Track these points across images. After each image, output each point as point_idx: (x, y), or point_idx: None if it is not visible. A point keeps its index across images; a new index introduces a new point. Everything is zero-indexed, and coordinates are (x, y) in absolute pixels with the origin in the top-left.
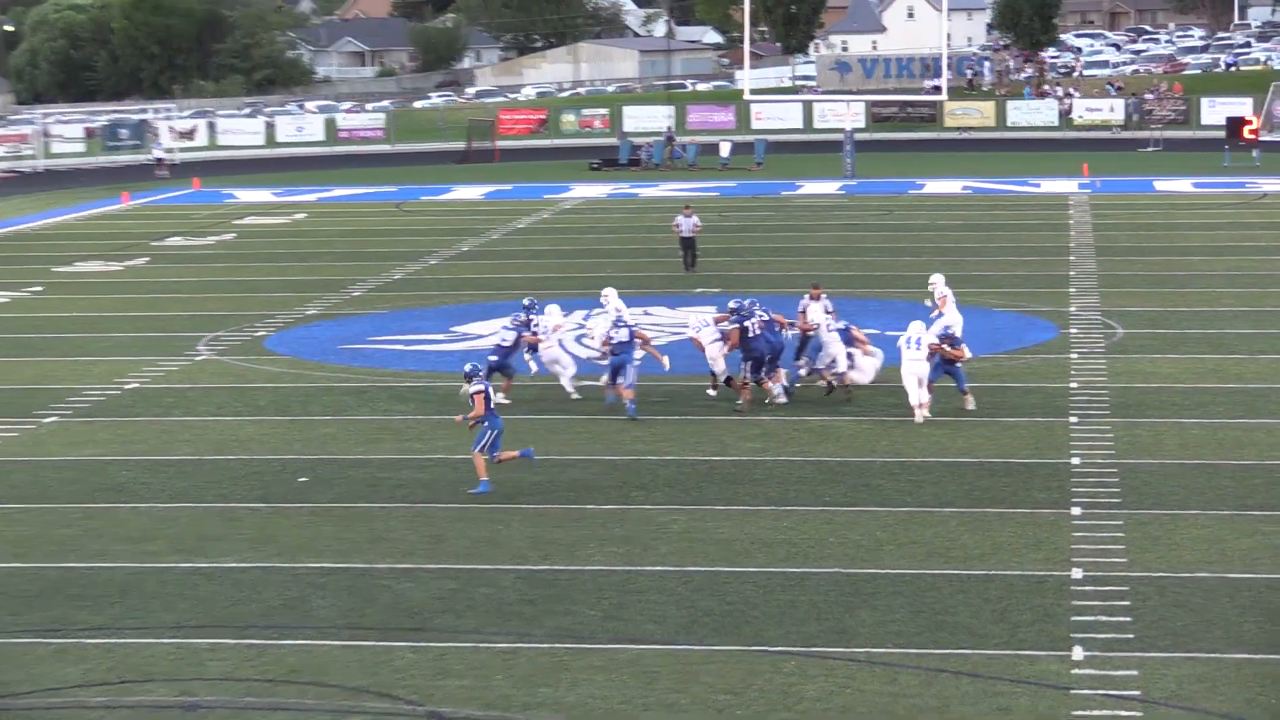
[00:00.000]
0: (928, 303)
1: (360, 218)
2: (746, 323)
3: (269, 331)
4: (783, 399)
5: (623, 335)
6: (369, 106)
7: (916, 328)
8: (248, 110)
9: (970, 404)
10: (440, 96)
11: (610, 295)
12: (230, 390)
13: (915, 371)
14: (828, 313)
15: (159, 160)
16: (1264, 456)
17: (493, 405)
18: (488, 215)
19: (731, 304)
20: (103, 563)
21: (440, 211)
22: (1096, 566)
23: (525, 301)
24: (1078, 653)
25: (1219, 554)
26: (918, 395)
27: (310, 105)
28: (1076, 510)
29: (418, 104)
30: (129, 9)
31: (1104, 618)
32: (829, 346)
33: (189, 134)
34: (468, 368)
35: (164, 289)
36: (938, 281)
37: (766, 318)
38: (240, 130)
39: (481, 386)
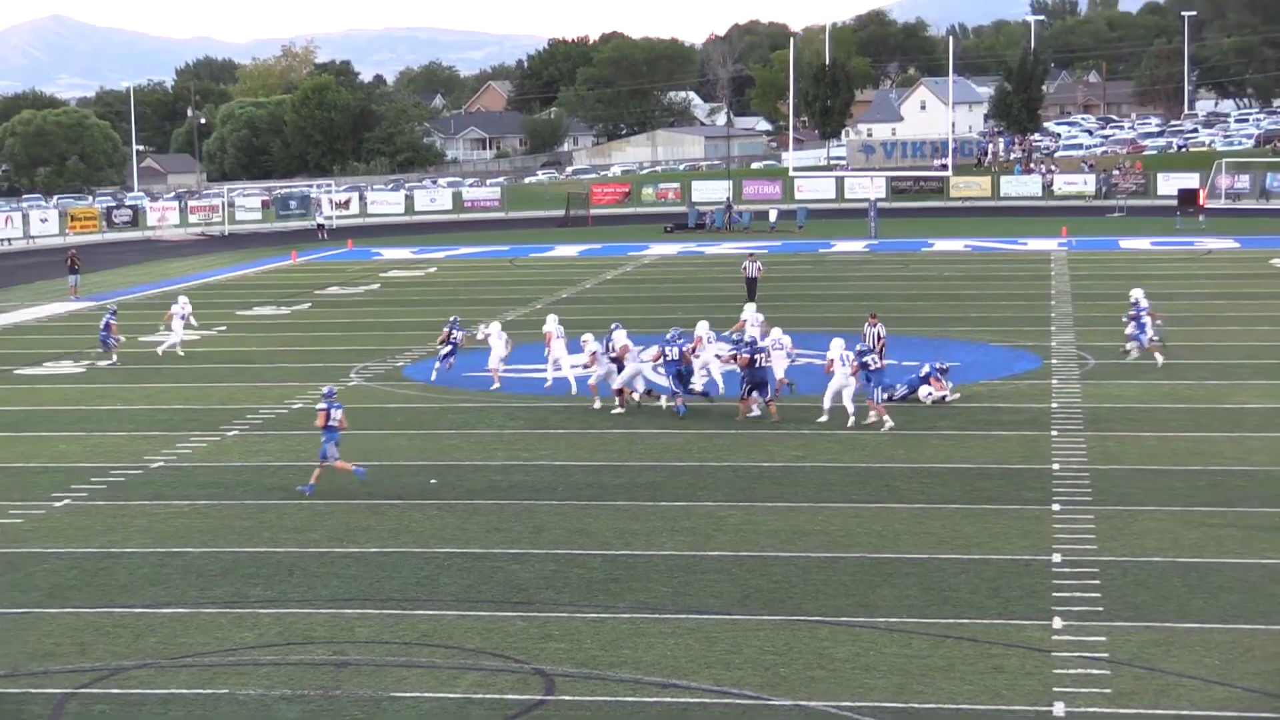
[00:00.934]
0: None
1: (480, 271)
2: (757, 355)
3: (407, 362)
4: (756, 413)
5: (674, 354)
6: (488, 182)
7: (839, 345)
8: (391, 185)
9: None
10: (545, 173)
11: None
12: (375, 410)
13: (839, 385)
14: (880, 337)
15: (320, 225)
16: (1209, 463)
17: (332, 422)
18: (583, 269)
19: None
20: (272, 548)
21: (545, 266)
22: (1073, 552)
23: (668, 334)
24: (1057, 622)
25: (1172, 542)
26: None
27: (441, 182)
28: (1057, 506)
29: (527, 180)
30: (298, 105)
31: (1079, 594)
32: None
33: (345, 204)
34: (325, 389)
35: (323, 328)
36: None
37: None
38: (385, 201)
39: (324, 406)
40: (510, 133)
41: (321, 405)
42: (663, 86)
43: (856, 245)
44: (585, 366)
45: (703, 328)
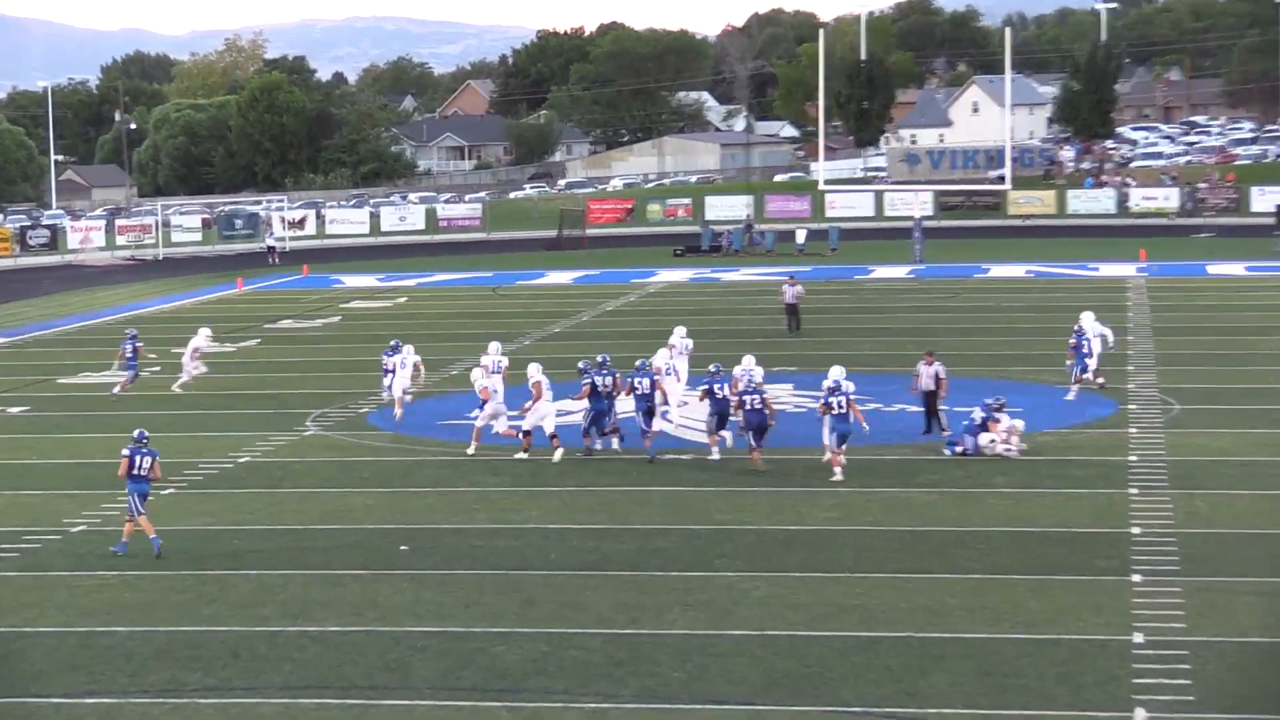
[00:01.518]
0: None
1: (458, 301)
2: (747, 398)
3: (372, 408)
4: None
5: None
6: (467, 198)
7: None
8: (354, 201)
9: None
10: (533, 188)
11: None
12: (336, 464)
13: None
14: (939, 378)
15: (271, 248)
16: None
17: (140, 471)
18: (578, 299)
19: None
20: (214, 626)
21: (533, 295)
22: (1157, 631)
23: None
24: (1140, 715)
25: (1276, 620)
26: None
27: (412, 197)
28: (1137, 577)
29: (513, 195)
30: (245, 108)
31: (1165, 681)
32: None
33: (299, 224)
34: (136, 432)
35: (274, 368)
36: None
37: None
38: (347, 220)
39: (127, 452)
40: (493, 140)
41: (125, 451)
42: (671, 86)
43: (899, 271)
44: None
45: (660, 356)
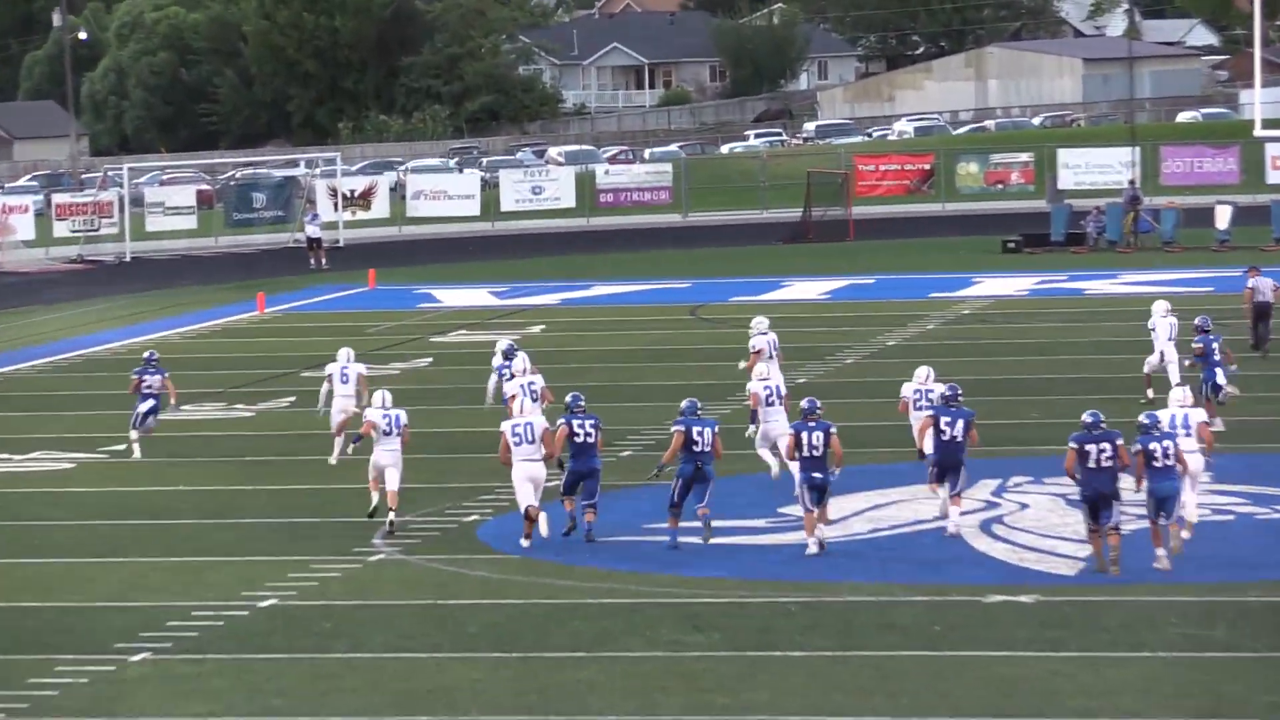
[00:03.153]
0: None
1: (634, 330)
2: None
3: (483, 514)
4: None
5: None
6: (648, 153)
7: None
8: (454, 161)
9: None
10: (760, 136)
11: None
12: (420, 613)
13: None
14: None
15: (313, 241)
16: None
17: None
18: (836, 326)
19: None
20: None
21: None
22: None
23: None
24: None
25: None
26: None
27: (554, 153)
28: None
29: (726, 149)
30: (271, 5)
31: None
32: None
33: (361, 199)
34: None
35: (321, 445)
36: None
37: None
38: (442, 192)
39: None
40: (691, 56)
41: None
42: None
43: None
44: None
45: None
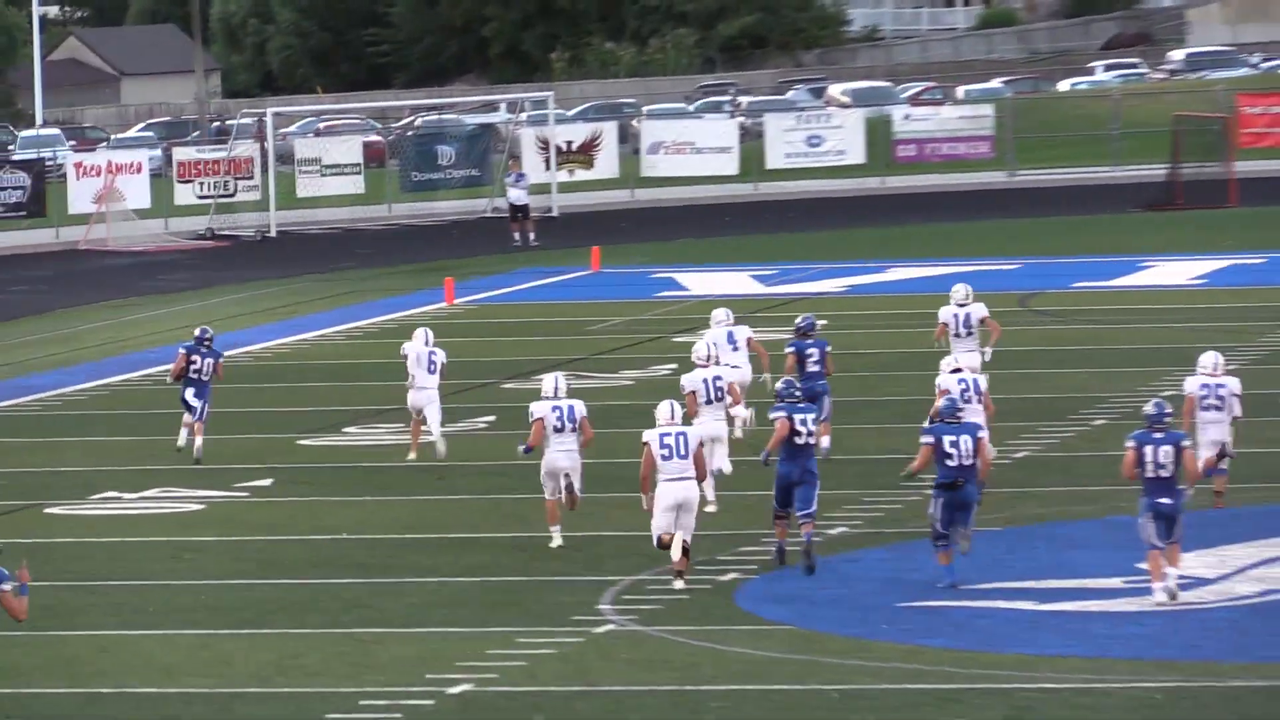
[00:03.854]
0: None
1: (921, 325)
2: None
3: (742, 576)
4: None
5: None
6: (961, 92)
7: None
8: (698, 104)
9: None
10: (1111, 69)
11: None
12: (678, 702)
13: None
14: None
15: (518, 210)
16: None
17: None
18: (1212, 321)
19: None
20: None
21: (1108, 313)
22: None
23: None
24: None
25: None
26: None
27: (838, 91)
28: None
29: (1064, 85)
30: None
31: None
32: None
33: (581, 155)
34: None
35: (523, 480)
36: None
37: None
38: (687, 145)
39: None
40: None
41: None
42: None
43: None
44: None
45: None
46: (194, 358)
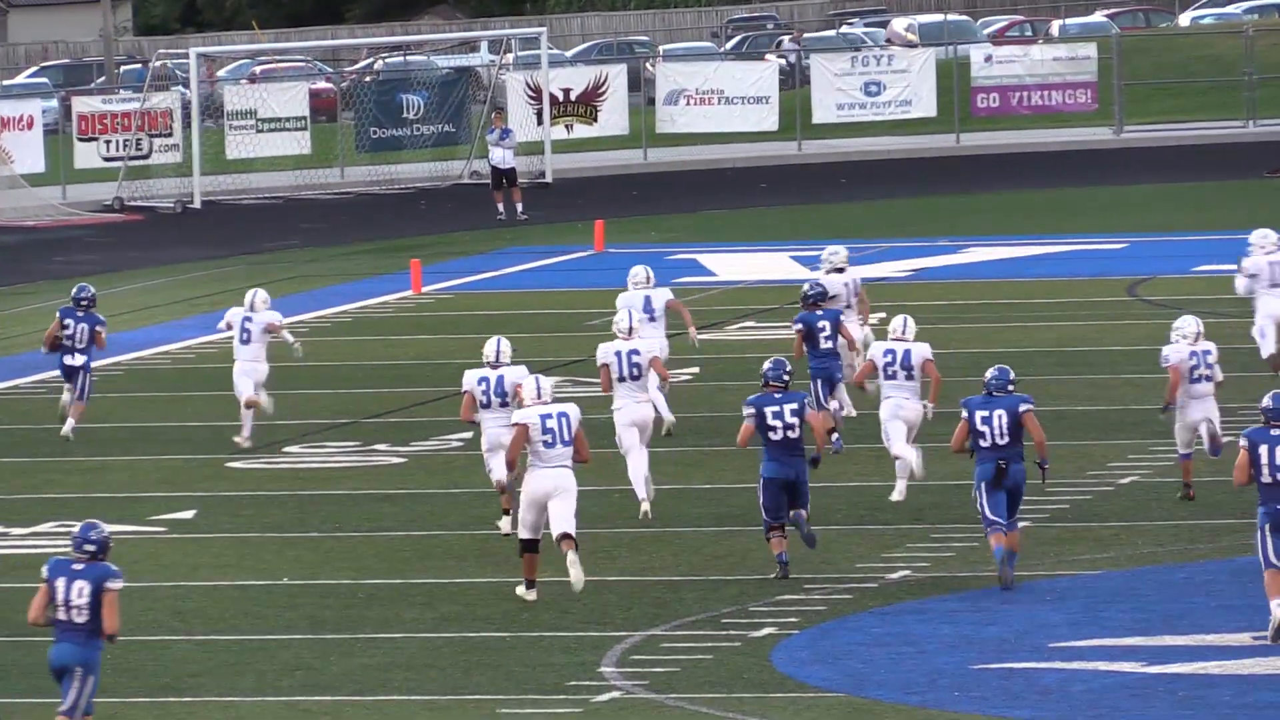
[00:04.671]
0: None
1: (1032, 322)
2: None
3: (780, 630)
4: None
5: None
6: (1055, 27)
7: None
8: (729, 41)
9: None
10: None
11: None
12: None
13: None
14: None
15: (501, 176)
16: None
17: None
18: None
19: None
20: None
21: (1237, 303)
22: None
23: None
24: None
25: None
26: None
27: (901, 25)
28: None
29: (1183, 19)
30: None
31: None
32: None
33: (582, 106)
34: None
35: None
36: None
37: None
38: (715, 93)
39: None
40: None
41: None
42: None
43: None
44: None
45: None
46: (67, 321)
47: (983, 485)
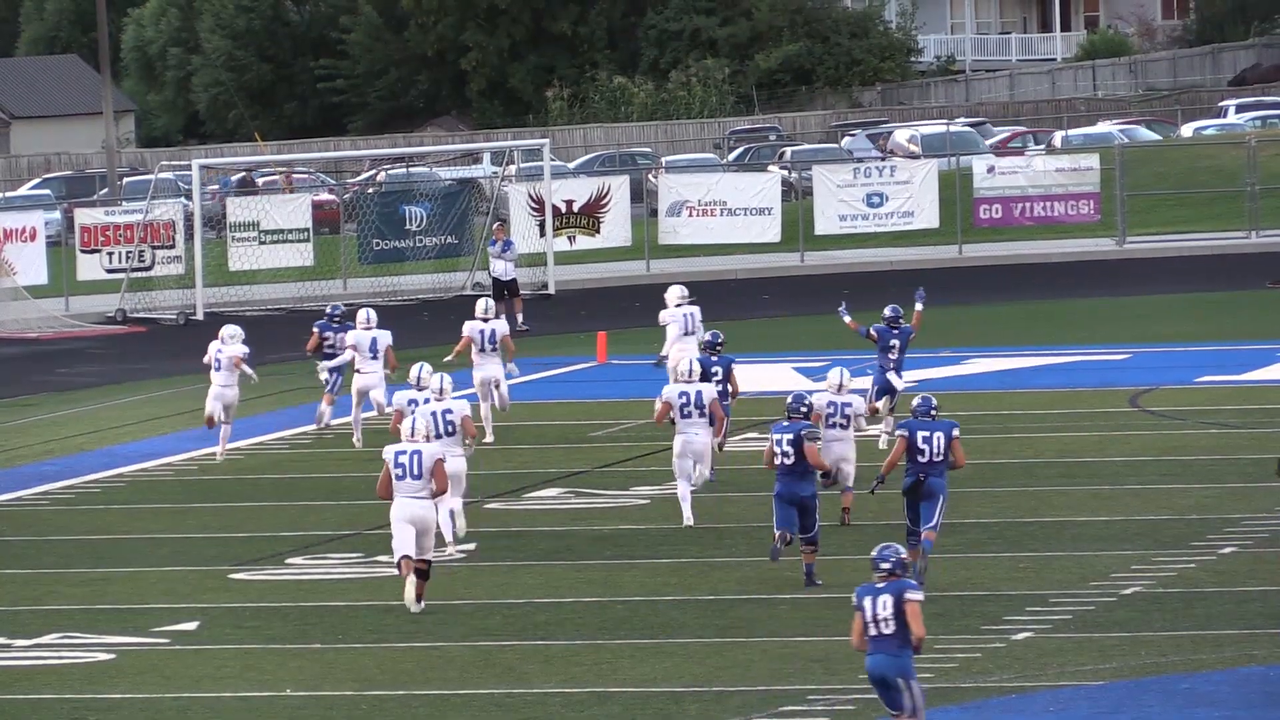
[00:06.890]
0: None
1: (1035, 433)
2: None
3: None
4: None
5: None
6: (1058, 138)
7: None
8: (731, 152)
9: None
10: (1244, 111)
11: None
12: None
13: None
14: None
15: (503, 287)
16: None
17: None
18: None
19: None
20: None
21: (1240, 414)
22: None
23: None
24: None
25: None
26: None
27: (904, 137)
28: None
29: (1186, 130)
30: None
31: None
32: None
33: (585, 217)
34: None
35: None
36: None
37: None
38: (718, 205)
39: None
40: None
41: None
42: None
43: None
44: None
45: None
46: (326, 334)
47: (906, 498)
